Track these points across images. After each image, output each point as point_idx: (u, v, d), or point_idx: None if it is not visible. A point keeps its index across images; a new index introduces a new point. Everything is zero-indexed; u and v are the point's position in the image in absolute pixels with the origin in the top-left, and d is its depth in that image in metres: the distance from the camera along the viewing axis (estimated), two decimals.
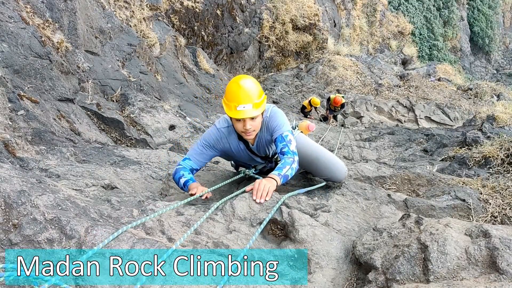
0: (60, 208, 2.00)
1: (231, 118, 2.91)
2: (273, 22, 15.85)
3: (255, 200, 2.60)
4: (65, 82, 4.21)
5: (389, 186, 4.29)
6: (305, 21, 16.59)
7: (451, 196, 3.79)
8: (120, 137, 4.29)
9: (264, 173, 3.48)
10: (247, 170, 3.42)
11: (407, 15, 25.43)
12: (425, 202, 3.54)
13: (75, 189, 2.40)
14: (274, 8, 15.80)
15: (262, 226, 2.36)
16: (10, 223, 1.86)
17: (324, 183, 3.27)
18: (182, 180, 2.94)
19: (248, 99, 2.74)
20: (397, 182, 4.38)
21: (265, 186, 2.64)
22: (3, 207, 1.90)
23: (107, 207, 2.36)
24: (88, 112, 4.26)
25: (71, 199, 2.12)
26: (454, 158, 5.97)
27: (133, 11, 6.08)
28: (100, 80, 4.73)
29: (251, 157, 3.27)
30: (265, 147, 3.22)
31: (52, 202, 2.00)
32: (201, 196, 2.79)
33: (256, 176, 3.22)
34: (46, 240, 1.86)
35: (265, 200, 2.61)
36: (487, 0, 29.33)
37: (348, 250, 2.34)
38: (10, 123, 3.07)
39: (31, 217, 1.88)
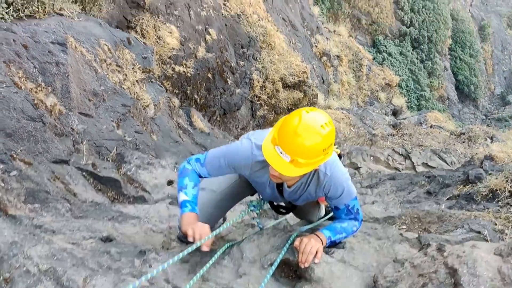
0: (55, 258, 1.84)
1: None
2: (263, 82, 16.19)
3: (299, 263, 2.21)
4: (59, 144, 4.14)
5: (399, 226, 4.13)
6: (294, 79, 16.96)
7: (465, 229, 3.65)
8: (118, 195, 4.15)
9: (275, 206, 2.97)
10: (255, 207, 2.68)
11: (392, 69, 26.15)
12: (440, 237, 3.38)
13: (72, 243, 2.24)
14: (263, 68, 16.18)
15: (274, 267, 2.19)
16: (1, 277, 1.70)
17: (331, 214, 2.83)
18: (182, 196, 2.35)
19: (294, 151, 1.99)
20: (406, 222, 4.23)
21: (313, 248, 2.21)
22: None
23: (107, 258, 2.19)
24: (84, 173, 4.15)
25: (68, 250, 1.97)
26: (459, 196, 5.84)
27: (126, 74, 6.13)
28: (95, 141, 4.66)
29: (277, 197, 2.60)
30: (299, 198, 2.52)
31: (46, 252, 1.85)
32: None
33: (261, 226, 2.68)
34: None
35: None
36: (467, 49, 30.32)
37: (368, 286, 2.17)
38: (2, 184, 2.95)
39: (24, 269, 1.72)
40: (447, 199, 6.18)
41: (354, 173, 14.00)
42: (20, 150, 3.61)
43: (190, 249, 2.30)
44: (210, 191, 2.65)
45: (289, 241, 2.36)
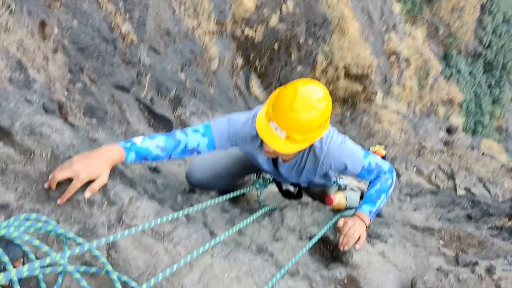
0: None
1: None
2: (326, 66, 15.88)
3: (340, 245, 2.14)
4: (124, 71, 4.17)
5: (436, 239, 3.97)
6: (358, 71, 16.56)
7: (507, 261, 3.46)
8: None
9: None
10: (260, 185, 2.62)
11: (458, 86, 25.17)
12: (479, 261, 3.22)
13: (122, 163, 2.25)
14: (330, 52, 15.85)
15: (313, 241, 2.13)
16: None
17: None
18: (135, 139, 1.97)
19: (290, 126, 1.85)
20: (445, 238, 4.05)
21: (356, 232, 2.12)
22: (49, 157, 1.76)
23: (152, 187, 2.19)
24: (141, 105, 4.18)
25: (118, 168, 1.97)
26: (502, 228, 5.57)
27: (200, 22, 6.10)
28: (158, 78, 4.67)
29: (277, 175, 2.45)
30: (299, 177, 2.37)
31: None
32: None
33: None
34: (86, 201, 1.70)
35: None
36: None
37: (404, 287, 2.08)
38: (66, 92, 2.99)
39: None
40: (489, 228, 5.91)
41: None
42: (88, 67, 3.65)
43: (231, 194, 2.27)
44: (225, 152, 2.57)
45: (333, 220, 2.28)
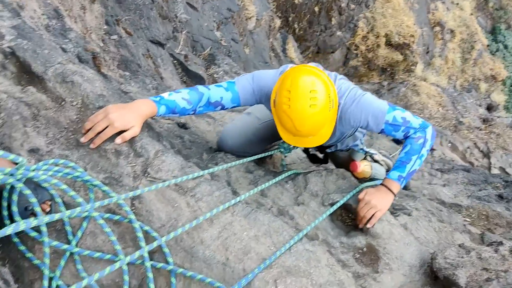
0: None
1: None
2: (367, 32, 15.40)
3: (356, 220, 2.11)
4: (160, 26, 4.16)
5: (464, 217, 3.90)
6: (399, 40, 16.01)
7: None
8: None
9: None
10: (285, 149, 2.53)
11: (503, 63, 24.06)
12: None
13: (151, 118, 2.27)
14: (372, 18, 15.33)
15: (334, 207, 2.13)
16: (82, 124, 1.75)
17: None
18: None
19: (309, 131, 1.93)
20: (472, 215, 3.98)
21: (372, 208, 2.04)
22: (79, 106, 1.79)
23: (179, 142, 2.22)
24: (175, 61, 4.19)
25: (147, 121, 1.99)
26: None
27: None
28: (193, 35, 4.66)
29: None
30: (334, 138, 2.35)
31: None
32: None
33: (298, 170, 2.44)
34: (113, 151, 1.73)
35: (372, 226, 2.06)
36: None
37: (424, 260, 2.06)
38: (101, 43, 3.02)
39: None
40: None
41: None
42: (125, 19, 3.66)
43: (256, 156, 2.28)
44: (255, 117, 2.56)
45: (357, 189, 2.26)
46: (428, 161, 9.29)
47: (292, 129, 1.91)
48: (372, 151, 2.71)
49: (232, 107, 2.15)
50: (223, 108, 2.11)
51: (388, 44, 16.09)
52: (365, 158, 2.64)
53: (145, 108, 1.84)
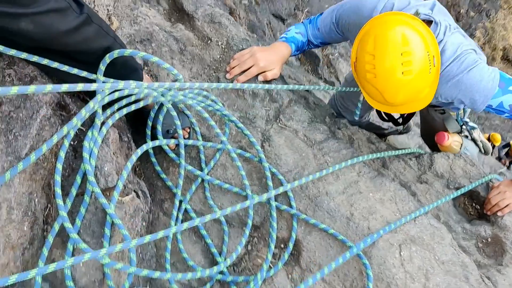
0: None
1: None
2: (483, 43, 14.39)
3: (485, 208, 1.94)
4: (284, 1, 4.19)
5: None
6: None
7: None
8: (312, 72, 4.16)
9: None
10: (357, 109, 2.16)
11: None
12: None
13: None
14: (491, 29, 14.33)
15: (460, 192, 1.99)
16: (224, 63, 1.79)
17: None
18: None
19: (404, 100, 1.59)
20: None
21: (506, 199, 1.85)
22: (223, 46, 1.85)
23: (304, 102, 2.20)
24: None
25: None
26: None
27: None
28: (313, 14, 4.63)
29: None
30: None
31: None
32: None
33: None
34: (251, 92, 1.76)
35: None
36: None
37: None
38: (234, 6, 3.10)
39: None
40: None
41: None
42: None
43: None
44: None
45: (486, 178, 2.10)
46: None
47: (381, 100, 1.62)
48: (471, 124, 2.30)
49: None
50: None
51: (505, 58, 14.97)
52: (460, 132, 2.30)
53: (285, 51, 1.85)
